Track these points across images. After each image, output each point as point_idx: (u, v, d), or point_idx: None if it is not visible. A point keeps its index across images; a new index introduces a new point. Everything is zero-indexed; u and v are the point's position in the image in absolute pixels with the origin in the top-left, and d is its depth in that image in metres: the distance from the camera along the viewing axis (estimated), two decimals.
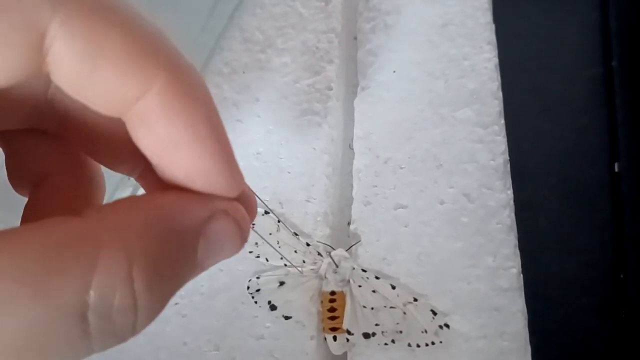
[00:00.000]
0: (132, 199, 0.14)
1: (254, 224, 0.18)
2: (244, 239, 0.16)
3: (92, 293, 0.12)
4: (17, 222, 0.16)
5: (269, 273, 0.36)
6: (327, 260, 0.34)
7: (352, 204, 0.37)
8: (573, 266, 0.43)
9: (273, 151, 0.40)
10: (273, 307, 0.35)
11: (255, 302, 0.35)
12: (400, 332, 0.32)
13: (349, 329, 0.33)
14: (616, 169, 0.46)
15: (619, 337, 0.41)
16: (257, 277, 0.36)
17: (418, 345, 0.32)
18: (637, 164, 0.45)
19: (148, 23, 0.14)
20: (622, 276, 0.42)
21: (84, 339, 0.13)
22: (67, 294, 0.12)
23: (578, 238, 0.44)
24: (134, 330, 0.14)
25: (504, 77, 0.40)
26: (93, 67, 0.13)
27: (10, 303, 0.11)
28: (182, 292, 0.36)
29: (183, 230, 0.15)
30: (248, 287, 0.35)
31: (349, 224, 0.37)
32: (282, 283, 0.35)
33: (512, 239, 0.33)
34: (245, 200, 0.17)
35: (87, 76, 0.13)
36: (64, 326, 0.12)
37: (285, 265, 0.35)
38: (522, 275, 0.33)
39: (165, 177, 0.15)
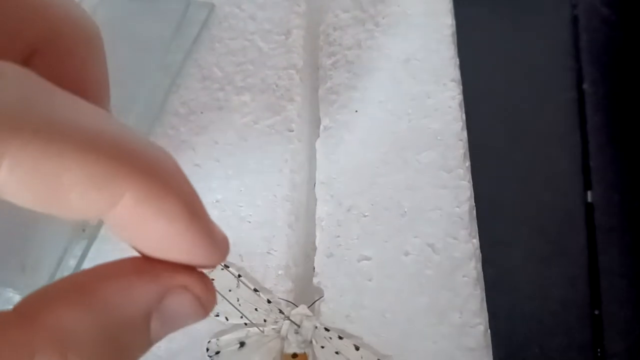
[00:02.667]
0: (72, 284, 0.14)
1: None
2: (206, 312, 0.16)
3: None
4: None
5: (229, 334, 0.34)
6: (288, 321, 0.33)
7: (316, 253, 0.36)
8: (546, 303, 0.42)
9: (233, 199, 0.38)
10: None
11: None
12: None
13: None
14: (589, 199, 0.45)
15: None
16: (217, 339, 0.34)
17: None
18: (610, 193, 0.43)
19: (114, 133, 0.13)
20: (596, 312, 0.41)
21: None
22: None
23: (551, 273, 0.43)
24: None
25: (470, 109, 0.38)
26: (51, 199, 0.13)
27: None
28: None
29: (129, 319, 0.14)
30: (207, 349, 0.34)
31: (314, 270, 0.36)
32: (242, 344, 0.34)
33: (478, 293, 0.32)
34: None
35: (47, 204, 0.13)
36: None
37: (246, 324, 0.34)
38: (489, 331, 0.32)
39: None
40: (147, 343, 0.15)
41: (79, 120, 0.13)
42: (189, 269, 0.16)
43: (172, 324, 0.15)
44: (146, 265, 0.15)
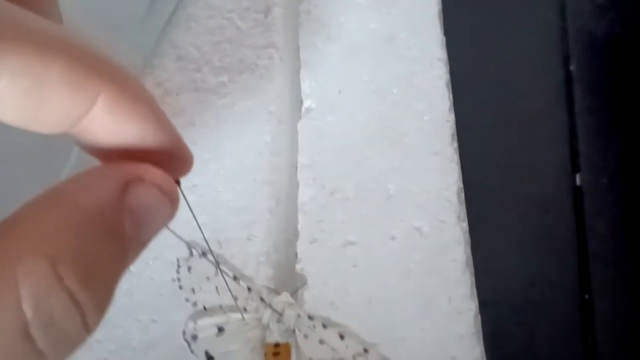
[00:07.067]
0: (43, 197, 0.14)
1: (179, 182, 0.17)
2: (170, 199, 0.16)
3: (25, 308, 0.12)
4: None
5: (208, 318, 0.32)
6: (269, 309, 0.31)
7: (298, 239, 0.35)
8: (536, 288, 0.41)
9: (210, 183, 0.36)
10: (210, 359, 0.32)
11: (192, 352, 0.32)
12: None
13: None
14: (577, 182, 0.44)
15: None
16: (194, 322, 0.32)
17: None
18: (598, 176, 0.42)
19: (82, 43, 0.15)
20: (586, 297, 0.40)
21: (37, 356, 0.12)
22: (1, 321, 0.12)
23: (540, 258, 0.42)
24: (87, 328, 0.13)
25: (457, 90, 0.37)
26: (36, 104, 0.14)
27: None
28: (111, 347, 0.33)
29: (98, 213, 0.14)
30: (184, 332, 0.32)
31: (296, 256, 0.35)
32: (221, 329, 0.32)
33: (467, 277, 0.31)
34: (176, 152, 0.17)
35: (31, 112, 0.14)
36: (11, 352, 0.12)
37: (224, 312, 0.32)
38: (479, 316, 0.30)
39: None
40: (127, 243, 0.15)
41: (50, 30, 0.14)
42: (144, 165, 0.16)
43: (144, 222, 0.15)
44: (107, 166, 0.16)
